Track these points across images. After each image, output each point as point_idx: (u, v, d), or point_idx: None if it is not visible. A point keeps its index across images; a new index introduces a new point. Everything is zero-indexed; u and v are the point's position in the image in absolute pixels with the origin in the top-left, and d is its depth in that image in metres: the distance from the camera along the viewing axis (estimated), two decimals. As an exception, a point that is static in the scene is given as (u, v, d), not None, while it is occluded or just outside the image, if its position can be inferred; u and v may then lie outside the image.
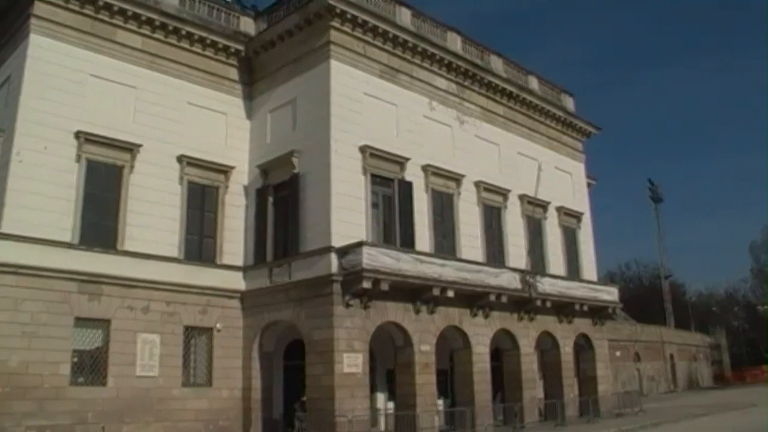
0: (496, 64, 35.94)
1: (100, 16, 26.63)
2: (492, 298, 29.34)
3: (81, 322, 24.05)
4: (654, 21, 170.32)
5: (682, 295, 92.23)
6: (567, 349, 34.68)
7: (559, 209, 37.42)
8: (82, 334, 24.14)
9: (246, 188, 29.59)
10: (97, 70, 26.24)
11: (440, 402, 29.07)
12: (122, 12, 27.02)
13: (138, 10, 27.33)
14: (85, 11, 26.26)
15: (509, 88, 35.67)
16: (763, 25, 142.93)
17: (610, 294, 37.47)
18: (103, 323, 24.62)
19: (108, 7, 26.64)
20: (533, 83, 38.56)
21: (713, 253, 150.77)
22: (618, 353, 54.45)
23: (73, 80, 25.51)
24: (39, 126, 24.27)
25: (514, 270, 31.31)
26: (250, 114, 30.66)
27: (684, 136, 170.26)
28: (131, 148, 26.39)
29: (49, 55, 25.15)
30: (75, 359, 23.76)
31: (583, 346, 36.52)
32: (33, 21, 25.11)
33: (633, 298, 79.19)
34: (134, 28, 27.53)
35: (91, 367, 24.17)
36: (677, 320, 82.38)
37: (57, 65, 25.21)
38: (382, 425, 27.73)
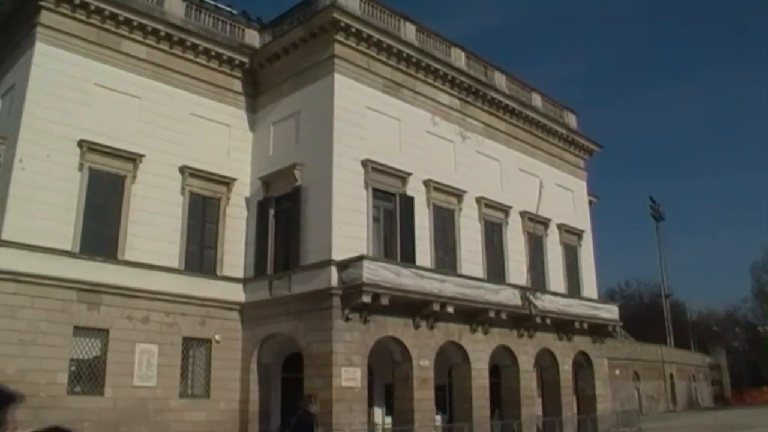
0: (500, 80, 36.03)
1: (106, 26, 26.74)
2: (492, 314, 29.27)
3: (79, 331, 24.02)
4: (656, 37, 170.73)
5: (683, 314, 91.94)
6: (566, 367, 34.57)
7: (560, 226, 37.40)
8: (80, 343, 24.10)
9: (248, 200, 29.63)
10: (101, 80, 26.30)
11: (438, 417, 28.98)
12: (128, 22, 27.13)
13: (143, 21, 27.45)
14: (92, 21, 26.37)
15: (512, 104, 35.73)
16: (764, 41, 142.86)
17: (610, 312, 37.36)
18: (102, 333, 24.58)
19: (114, 17, 26.75)
20: (536, 100, 38.63)
21: (714, 272, 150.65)
22: (617, 372, 54.29)
23: (78, 89, 25.56)
24: (42, 134, 24.32)
25: (515, 286, 31.28)
26: (253, 126, 30.72)
27: (685, 154, 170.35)
28: (134, 158, 26.44)
29: (54, 64, 25.23)
30: (73, 368, 23.71)
31: (583, 364, 36.40)
32: (39, 29, 25.20)
33: (633, 316, 78.97)
34: (139, 38, 27.63)
35: (88, 376, 24.11)
36: (677, 339, 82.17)
37: (62, 74, 25.28)
38: (379, 440, 27.66)
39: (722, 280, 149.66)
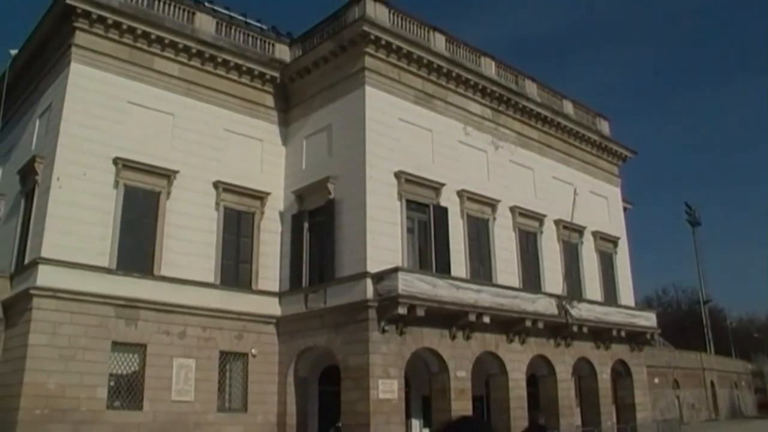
0: (531, 88, 35.89)
1: (138, 45, 27.09)
2: (528, 323, 29.05)
3: (118, 346, 24.28)
4: (691, 42, 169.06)
5: (722, 321, 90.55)
6: (604, 376, 34.17)
7: (595, 234, 37.09)
8: (118, 358, 24.35)
9: (281, 214, 29.75)
10: (135, 98, 26.65)
11: (476, 429, 28.73)
12: (159, 40, 27.47)
13: (175, 38, 27.77)
14: (124, 40, 26.73)
15: (544, 112, 35.57)
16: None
17: (647, 319, 36.91)
18: (140, 347, 24.82)
19: (146, 35, 27.10)
20: (568, 107, 38.42)
21: (754, 277, 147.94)
22: (656, 380, 53.48)
23: (112, 107, 25.91)
24: (78, 152, 24.69)
25: (551, 295, 31.03)
26: (285, 140, 30.88)
27: (722, 159, 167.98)
28: (168, 175, 26.69)
29: (88, 83, 25.62)
30: (111, 383, 23.94)
31: (621, 373, 35.99)
32: (74, 50, 25.65)
33: (671, 323, 77.90)
34: (171, 55, 27.95)
35: (127, 391, 24.33)
36: (717, 346, 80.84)
37: (96, 93, 25.67)
38: (417, 452, 27.53)
39: (763, 286, 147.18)
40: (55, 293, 23.02)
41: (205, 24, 29.67)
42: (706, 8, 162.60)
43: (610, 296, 36.98)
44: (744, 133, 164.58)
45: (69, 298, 23.24)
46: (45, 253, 23.36)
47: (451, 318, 26.70)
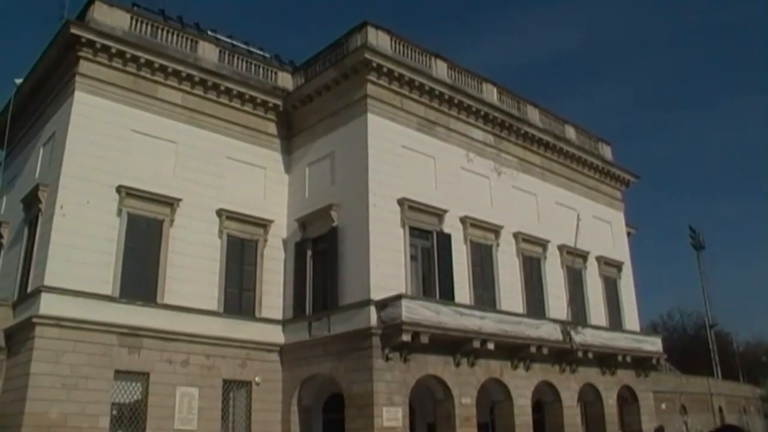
0: (533, 114, 36.00)
1: (142, 73, 27.26)
2: (533, 349, 28.90)
3: (121, 374, 24.17)
4: (691, 63, 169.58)
5: (729, 345, 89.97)
6: (610, 402, 33.92)
7: (599, 259, 37.01)
8: (121, 386, 24.22)
9: (285, 241, 29.75)
10: (138, 126, 26.77)
11: (482, 456, 28.56)
12: (163, 69, 27.63)
13: (178, 67, 27.94)
14: (128, 69, 26.91)
15: (546, 138, 35.64)
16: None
17: (653, 344, 36.68)
18: (143, 376, 24.70)
19: (149, 64, 27.26)
20: (570, 132, 38.50)
21: (760, 300, 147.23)
22: (663, 405, 53.09)
23: (116, 136, 26.03)
24: (82, 181, 24.76)
25: (555, 321, 30.89)
26: (288, 168, 30.96)
27: (726, 181, 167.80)
28: (171, 203, 26.74)
29: (92, 112, 25.76)
30: (114, 412, 23.79)
31: (627, 399, 35.73)
32: (78, 79, 25.81)
33: (677, 348, 77.53)
34: (175, 84, 28.11)
35: (130, 420, 24.18)
36: (724, 371, 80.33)
37: (100, 121, 25.80)
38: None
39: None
40: (58, 321, 22.96)
41: (208, 52, 29.88)
42: (705, 29, 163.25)
43: (615, 321, 36.81)
44: (745, 152, 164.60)
45: (72, 326, 23.18)
46: (48, 281, 23.34)
47: (455, 345, 26.58)
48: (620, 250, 39.44)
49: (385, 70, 28.18)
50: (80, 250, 24.04)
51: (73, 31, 25.46)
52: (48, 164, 26.43)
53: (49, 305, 23.05)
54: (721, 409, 68.67)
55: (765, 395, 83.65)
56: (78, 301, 23.60)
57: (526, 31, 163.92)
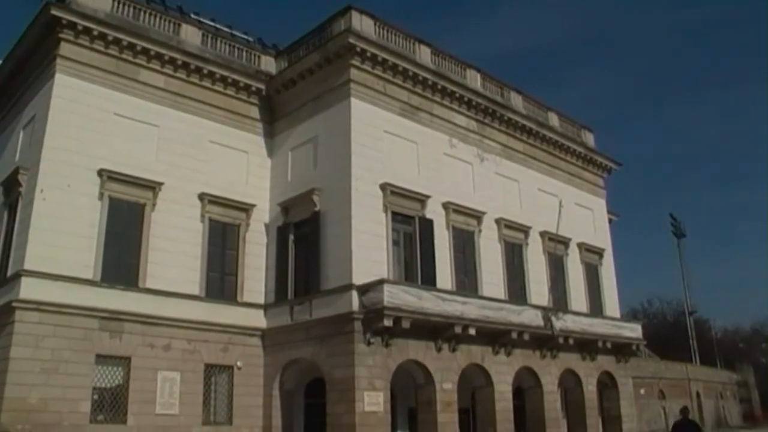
0: (516, 100, 36.02)
1: (124, 56, 27.02)
2: (514, 335, 29.05)
3: (102, 359, 24.08)
4: (675, 54, 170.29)
5: (707, 332, 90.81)
6: (590, 387, 34.20)
7: (580, 245, 37.20)
8: (102, 371, 24.14)
9: (267, 226, 29.70)
10: (120, 109, 26.55)
11: (462, 441, 28.73)
12: (145, 52, 27.40)
13: (161, 50, 27.72)
14: (110, 51, 26.65)
15: (529, 124, 35.69)
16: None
17: (633, 330, 36.98)
18: (124, 360, 24.63)
19: (131, 47, 27.03)
20: (553, 119, 38.58)
21: (738, 288, 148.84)
22: (642, 391, 53.59)
23: (97, 119, 25.80)
24: (63, 164, 24.54)
25: (536, 307, 31.05)
26: (271, 152, 30.86)
27: (707, 169, 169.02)
28: (153, 186, 26.59)
29: (73, 95, 25.51)
30: (95, 396, 23.71)
31: (607, 384, 36.02)
32: (59, 61, 25.53)
33: (657, 334, 78.09)
34: (157, 67, 27.89)
35: (111, 404, 24.12)
36: (702, 357, 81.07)
37: (81, 104, 25.55)
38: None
39: (747, 296, 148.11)
40: (38, 306, 22.82)
41: (191, 35, 29.65)
42: (688, 21, 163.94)
43: (596, 308, 37.05)
44: (726, 142, 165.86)
45: (52, 310, 23.04)
46: (28, 265, 23.17)
47: (437, 330, 26.68)
48: (602, 236, 39.64)
49: (368, 54, 28.08)
50: (61, 234, 23.85)
51: (54, 12, 25.14)
52: (28, 147, 26.19)
53: (29, 289, 22.89)
54: (698, 395, 69.37)
55: (740, 380, 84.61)
56: (59, 285, 23.43)
57: (511, 20, 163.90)
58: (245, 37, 34.64)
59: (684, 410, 22.88)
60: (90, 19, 25.99)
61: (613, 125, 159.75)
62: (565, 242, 35.94)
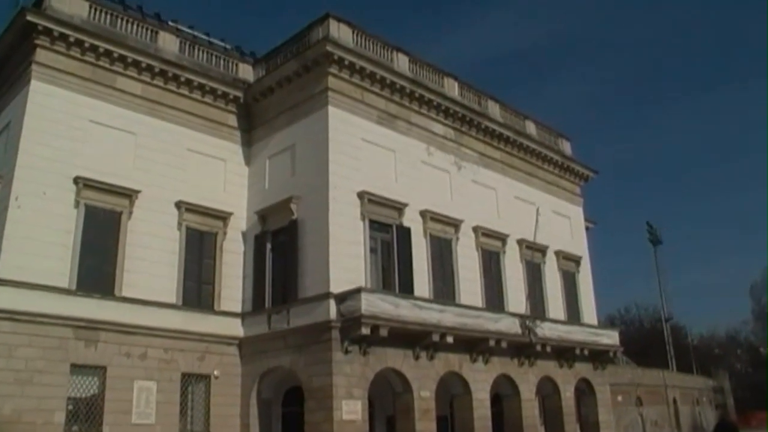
0: (494, 109, 36.18)
1: (101, 63, 26.89)
2: (492, 343, 29.11)
3: (77, 369, 23.83)
4: (653, 61, 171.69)
5: (684, 338, 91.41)
6: (568, 395, 34.35)
7: (558, 253, 37.38)
8: (77, 381, 23.89)
9: (244, 234, 29.60)
10: (97, 117, 26.40)
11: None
12: (122, 59, 27.28)
13: (138, 57, 27.60)
14: (86, 58, 26.51)
15: (506, 133, 35.85)
16: (763, 63, 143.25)
17: (610, 338, 37.22)
18: (100, 370, 24.40)
19: (108, 54, 26.90)
20: (530, 128, 38.78)
21: (714, 295, 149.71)
22: (620, 398, 53.78)
23: (73, 126, 25.64)
24: (38, 172, 24.35)
25: (514, 315, 31.15)
26: (248, 160, 30.78)
27: (684, 177, 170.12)
28: (130, 194, 26.44)
29: (49, 101, 25.33)
30: (70, 407, 23.44)
31: (584, 391, 36.20)
32: (34, 68, 25.33)
33: (634, 341, 78.52)
34: (134, 74, 27.77)
35: (86, 415, 23.87)
36: (679, 363, 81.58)
37: (57, 111, 25.38)
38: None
39: (723, 303, 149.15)
40: (12, 315, 22.55)
41: (168, 43, 29.57)
42: (666, 27, 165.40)
43: (573, 315, 37.23)
44: (703, 150, 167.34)
45: (27, 320, 22.77)
46: (2, 274, 22.89)
47: (415, 338, 26.68)
48: (579, 244, 39.86)
49: (346, 62, 28.12)
50: (36, 242, 23.66)
51: (30, 18, 24.98)
52: (3, 154, 25.92)
53: (3, 298, 22.58)
54: (675, 401, 69.78)
55: (716, 386, 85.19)
56: (33, 294, 23.19)
57: (488, 27, 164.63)
58: (223, 44, 34.59)
59: (723, 413, 22.79)
60: (66, 26, 25.84)
61: (590, 133, 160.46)
62: (542, 250, 36.09)
